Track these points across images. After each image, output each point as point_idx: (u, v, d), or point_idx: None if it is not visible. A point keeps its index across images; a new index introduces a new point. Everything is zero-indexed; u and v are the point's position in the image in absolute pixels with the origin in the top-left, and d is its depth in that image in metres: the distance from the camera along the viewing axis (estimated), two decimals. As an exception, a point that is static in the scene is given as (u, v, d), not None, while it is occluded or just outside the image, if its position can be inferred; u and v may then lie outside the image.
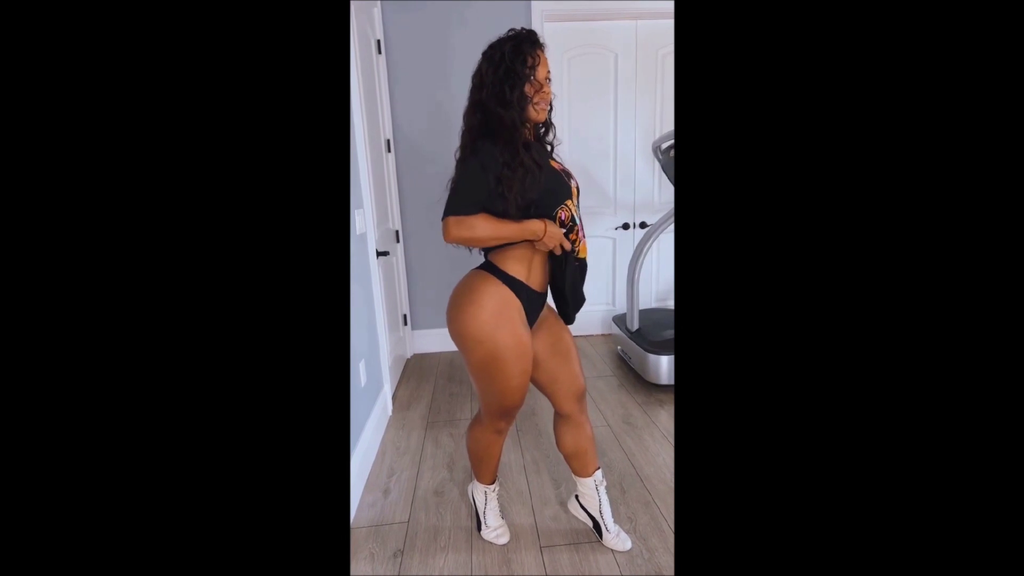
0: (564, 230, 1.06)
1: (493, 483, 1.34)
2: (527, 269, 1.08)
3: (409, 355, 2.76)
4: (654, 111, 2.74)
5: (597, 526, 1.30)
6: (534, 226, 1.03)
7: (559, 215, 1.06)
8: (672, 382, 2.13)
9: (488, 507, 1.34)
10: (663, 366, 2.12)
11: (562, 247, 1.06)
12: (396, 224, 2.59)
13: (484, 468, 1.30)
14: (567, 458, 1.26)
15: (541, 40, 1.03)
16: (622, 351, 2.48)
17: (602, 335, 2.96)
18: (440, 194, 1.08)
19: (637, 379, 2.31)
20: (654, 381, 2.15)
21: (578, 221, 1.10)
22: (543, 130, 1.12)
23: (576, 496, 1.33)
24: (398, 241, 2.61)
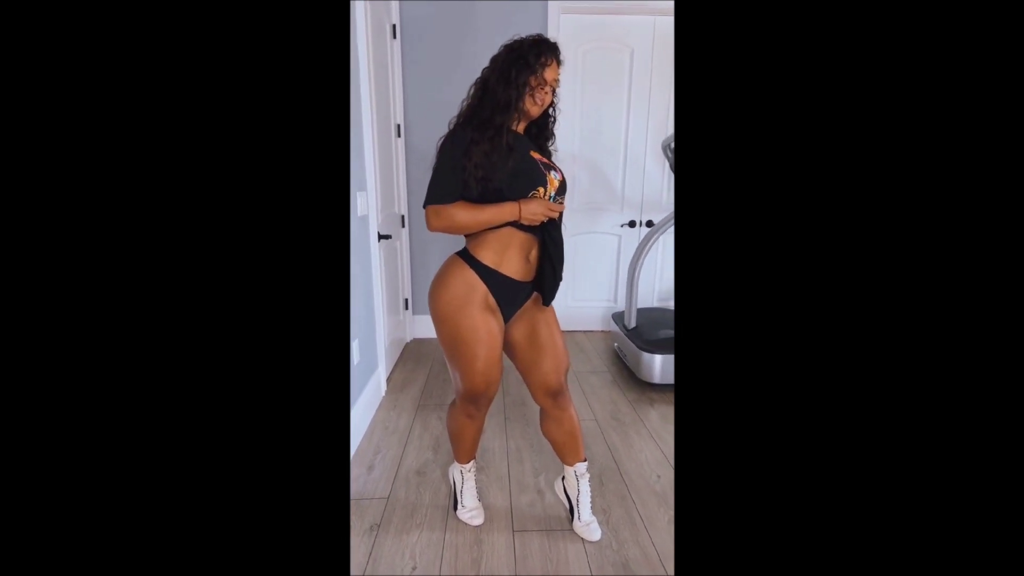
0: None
1: (468, 463, 1.37)
2: (499, 257, 1.10)
3: (409, 339, 2.80)
4: (668, 109, 2.72)
5: (573, 512, 1.33)
6: (509, 207, 1.05)
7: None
8: (664, 381, 2.13)
9: (465, 487, 1.37)
10: (656, 365, 2.12)
11: (547, 219, 1.09)
12: (402, 209, 2.62)
13: (459, 448, 1.34)
14: (551, 444, 1.30)
15: (561, 57, 1.10)
16: (618, 348, 2.49)
17: (602, 331, 2.96)
18: None
19: (631, 376, 2.31)
20: (647, 379, 2.16)
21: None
22: (535, 131, 1.17)
23: (563, 478, 1.36)
24: (403, 226, 2.64)
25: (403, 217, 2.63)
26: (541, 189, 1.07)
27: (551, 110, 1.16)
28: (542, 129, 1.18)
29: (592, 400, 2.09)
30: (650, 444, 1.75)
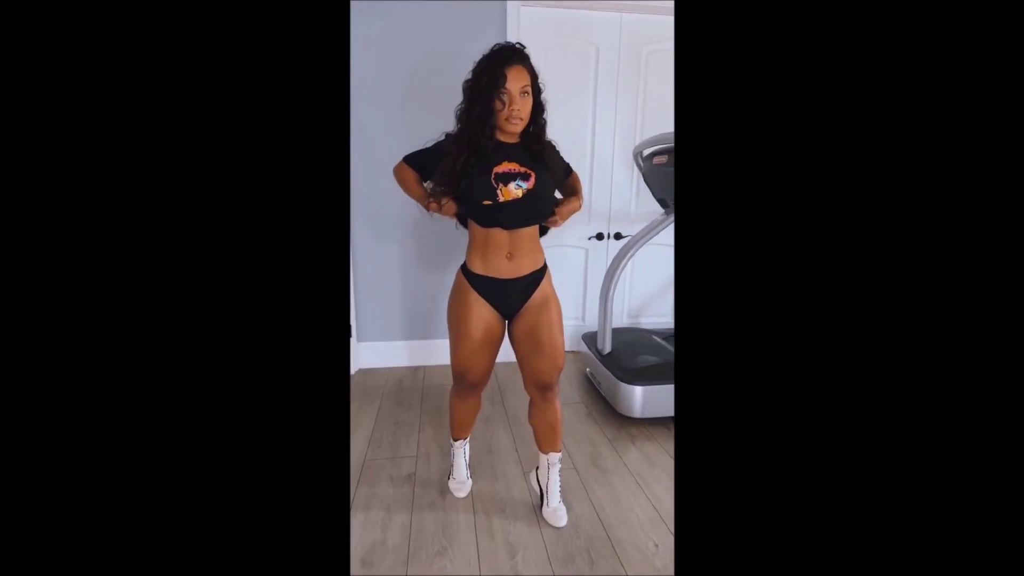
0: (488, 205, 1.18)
1: (459, 440, 1.50)
2: (483, 261, 1.24)
3: (354, 370, 2.45)
4: (635, 114, 2.53)
5: (543, 498, 1.43)
6: (421, 193, 1.27)
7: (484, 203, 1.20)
8: (646, 415, 1.91)
9: (455, 461, 1.52)
10: (637, 398, 1.90)
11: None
12: (343, 222, 2.27)
13: (453, 423, 1.47)
14: (533, 431, 1.42)
15: (524, 51, 1.15)
16: (591, 374, 2.26)
17: (571, 352, 2.74)
18: (400, 192, 1.36)
19: (606, 408, 2.09)
20: (626, 413, 1.93)
21: (505, 200, 1.18)
22: (536, 132, 1.23)
23: (537, 468, 1.47)
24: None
25: (344, 231, 2.28)
26: (488, 202, 1.16)
27: (538, 100, 1.19)
28: (532, 128, 1.21)
29: (568, 439, 1.84)
30: (639, 497, 1.52)
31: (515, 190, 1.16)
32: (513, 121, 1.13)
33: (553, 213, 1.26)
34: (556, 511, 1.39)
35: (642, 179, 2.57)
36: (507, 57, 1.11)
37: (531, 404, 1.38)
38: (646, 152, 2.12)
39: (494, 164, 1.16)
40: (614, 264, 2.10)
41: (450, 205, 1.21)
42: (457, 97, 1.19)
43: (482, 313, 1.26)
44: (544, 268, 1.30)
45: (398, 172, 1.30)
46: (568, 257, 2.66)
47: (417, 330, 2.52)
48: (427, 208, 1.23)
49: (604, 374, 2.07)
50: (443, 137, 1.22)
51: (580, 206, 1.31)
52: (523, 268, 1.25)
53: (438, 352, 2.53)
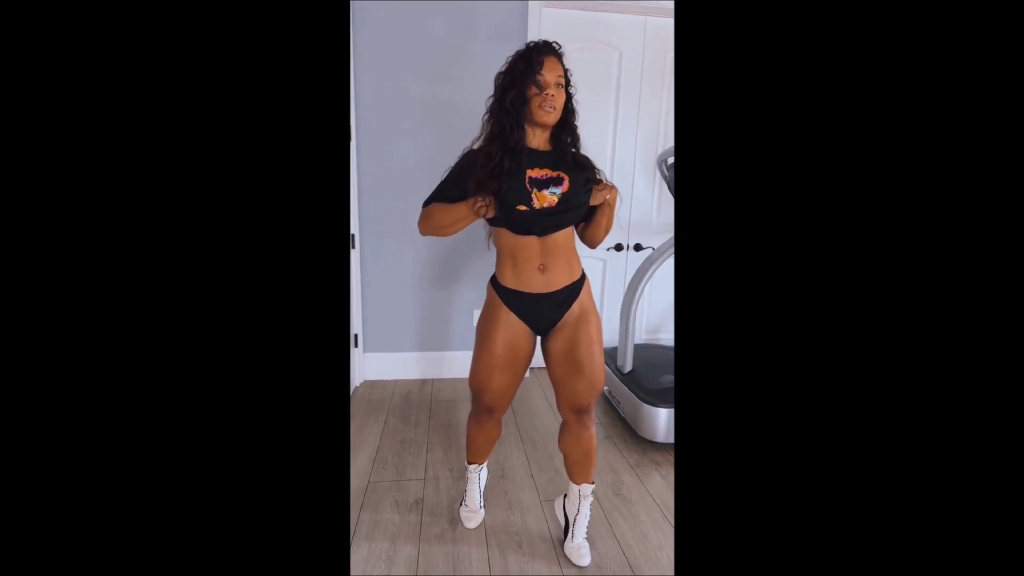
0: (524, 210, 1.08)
1: (473, 464, 1.38)
2: (514, 273, 1.15)
3: (358, 382, 2.34)
4: (658, 120, 2.43)
5: (567, 532, 1.32)
6: (465, 204, 1.08)
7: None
8: (670, 440, 1.78)
9: (469, 487, 1.40)
10: (661, 421, 1.77)
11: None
12: (352, 227, 2.17)
13: (468, 446, 1.37)
14: (564, 459, 1.30)
15: (559, 50, 1.09)
16: (610, 393, 2.13)
17: (584, 368, 2.61)
18: (411, 197, 1.26)
19: (627, 430, 1.96)
20: (649, 437, 1.80)
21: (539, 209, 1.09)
22: (564, 136, 1.15)
23: (565, 496, 1.35)
24: (353, 247, 2.19)
25: (353, 237, 2.18)
26: (523, 207, 1.07)
27: (570, 103, 1.13)
28: (560, 131, 1.14)
29: (586, 466, 1.71)
30: (667, 533, 1.38)
31: (550, 196, 1.08)
32: (546, 108, 1.06)
33: (588, 214, 1.18)
34: (580, 548, 1.28)
35: (665, 188, 2.47)
36: (543, 48, 1.07)
37: (563, 429, 1.26)
38: (671, 160, 2.01)
39: (528, 167, 1.09)
40: (636, 277, 1.98)
41: (492, 207, 1.09)
42: (475, 102, 1.13)
43: (511, 328, 1.16)
44: (582, 279, 1.20)
45: (424, 217, 1.15)
46: (585, 268, 2.54)
47: (427, 341, 2.41)
48: (475, 210, 1.07)
49: (625, 394, 1.94)
50: (461, 158, 1.14)
51: (612, 216, 1.21)
52: (557, 282, 1.15)
53: (448, 364, 2.42)
